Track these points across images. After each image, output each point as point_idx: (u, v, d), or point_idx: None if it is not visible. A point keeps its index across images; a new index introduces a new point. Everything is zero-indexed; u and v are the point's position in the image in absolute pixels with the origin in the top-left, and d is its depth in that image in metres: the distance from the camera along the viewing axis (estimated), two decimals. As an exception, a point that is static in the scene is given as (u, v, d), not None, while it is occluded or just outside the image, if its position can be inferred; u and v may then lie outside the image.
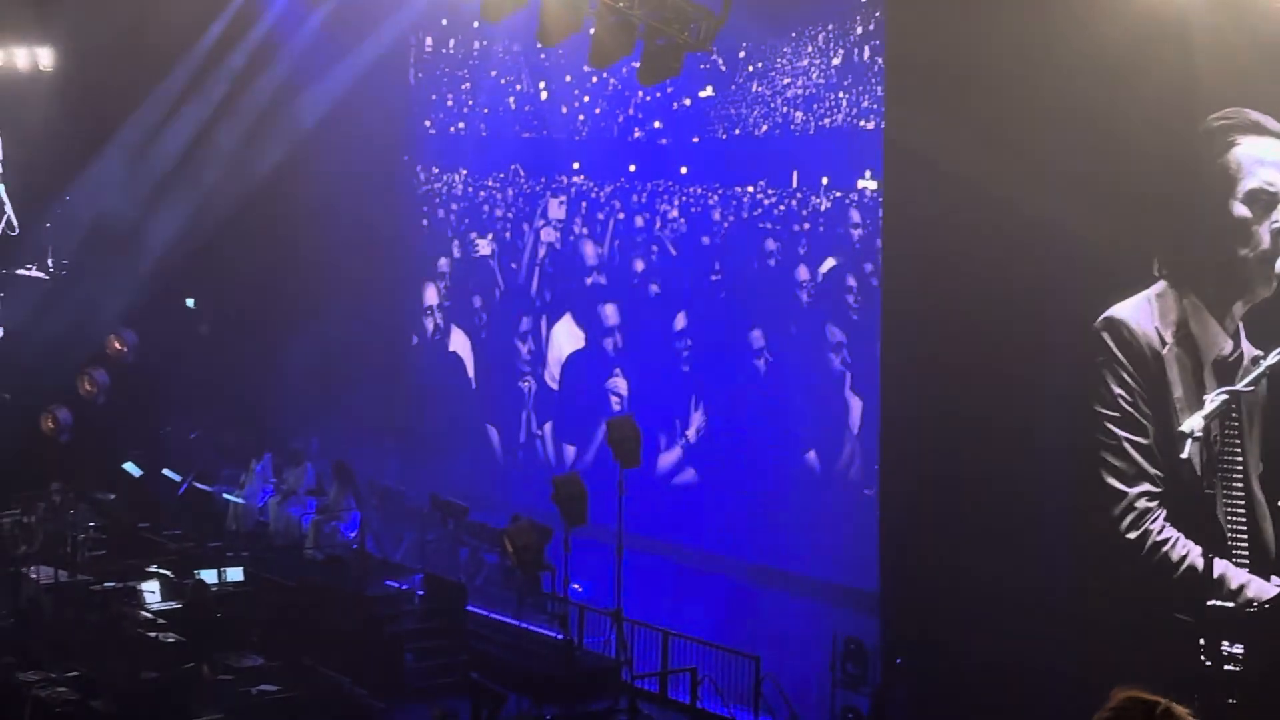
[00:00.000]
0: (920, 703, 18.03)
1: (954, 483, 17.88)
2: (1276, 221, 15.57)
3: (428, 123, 29.23)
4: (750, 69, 23.40)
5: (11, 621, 22.25)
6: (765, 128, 23.26)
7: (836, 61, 22.15)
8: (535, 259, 27.36)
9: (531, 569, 21.65)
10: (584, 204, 26.50)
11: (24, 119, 29.90)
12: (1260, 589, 15.64)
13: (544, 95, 26.91)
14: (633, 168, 25.62)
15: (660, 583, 23.47)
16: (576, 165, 26.65)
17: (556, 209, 26.96)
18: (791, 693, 19.42)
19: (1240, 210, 15.81)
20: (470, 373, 28.66)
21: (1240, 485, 15.81)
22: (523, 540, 20.91)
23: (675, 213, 24.80)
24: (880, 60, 20.89)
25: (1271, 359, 15.60)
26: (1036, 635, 17.20)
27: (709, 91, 23.99)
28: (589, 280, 26.36)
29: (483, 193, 28.32)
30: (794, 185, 22.90)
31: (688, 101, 24.23)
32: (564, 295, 26.88)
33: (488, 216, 28.33)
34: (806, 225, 22.72)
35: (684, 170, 24.67)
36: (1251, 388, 15.76)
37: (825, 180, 22.41)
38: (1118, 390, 16.75)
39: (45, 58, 29.84)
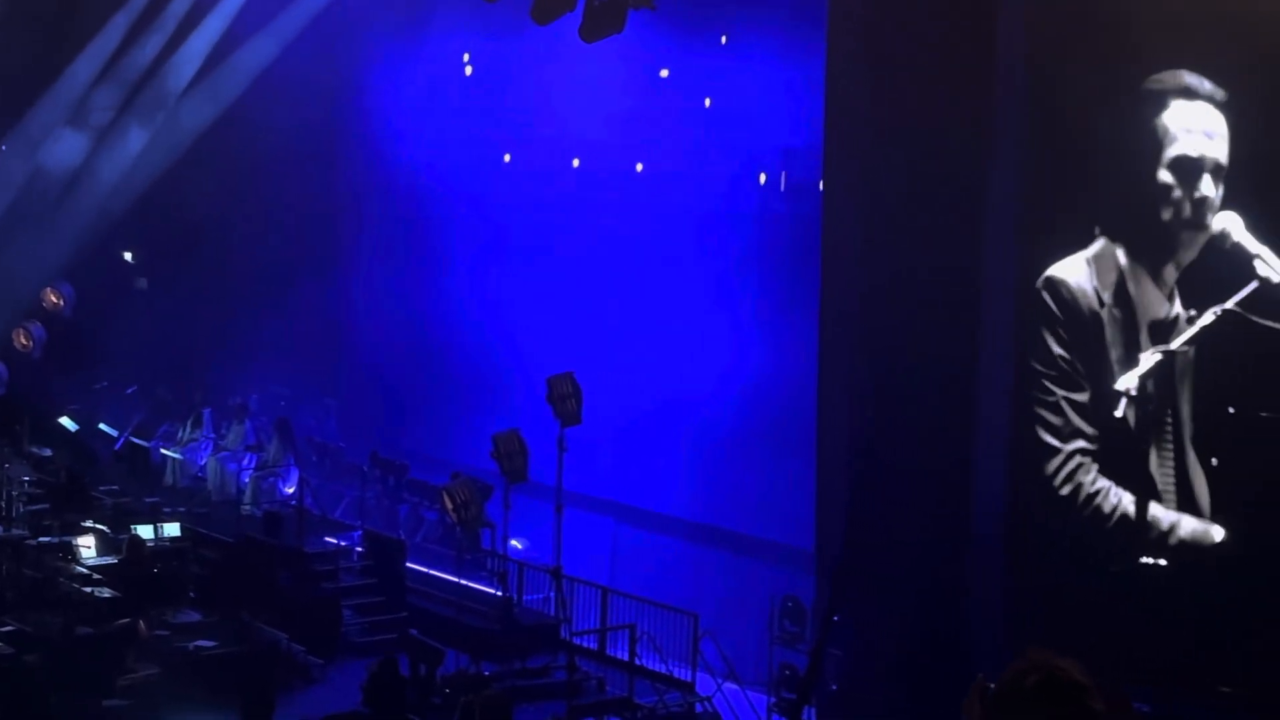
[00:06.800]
0: (856, 660, 18.09)
1: (890, 441, 17.92)
2: (1200, 190, 15.62)
3: (366, 80, 28.76)
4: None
5: (-54, 576, 22.05)
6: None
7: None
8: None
9: (471, 526, 21.62)
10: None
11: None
12: (1192, 528, 15.74)
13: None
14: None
15: (600, 540, 23.44)
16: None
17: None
18: (729, 650, 19.47)
19: (1164, 176, 15.87)
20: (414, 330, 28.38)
21: (1172, 443, 15.90)
22: (462, 497, 20.87)
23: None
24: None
25: (1204, 320, 15.68)
26: (971, 593, 17.31)
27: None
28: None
29: (420, 156, 27.84)
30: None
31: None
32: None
33: (426, 180, 27.89)
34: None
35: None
36: (1187, 348, 15.83)
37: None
38: (1056, 349, 16.80)
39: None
